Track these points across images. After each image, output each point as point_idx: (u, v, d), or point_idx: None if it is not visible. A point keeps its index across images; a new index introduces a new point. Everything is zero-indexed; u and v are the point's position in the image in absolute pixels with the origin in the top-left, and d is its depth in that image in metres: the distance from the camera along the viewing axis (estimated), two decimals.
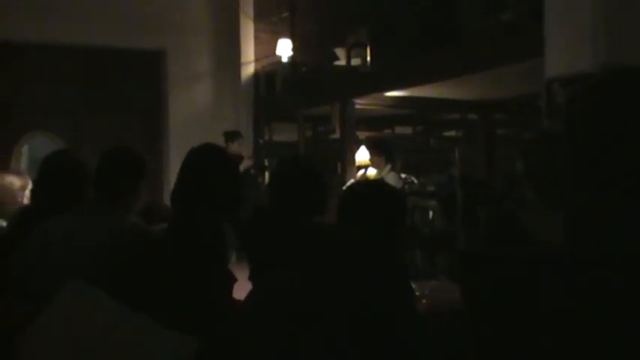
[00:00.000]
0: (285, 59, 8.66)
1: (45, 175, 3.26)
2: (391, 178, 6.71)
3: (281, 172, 3.11)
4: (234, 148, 7.16)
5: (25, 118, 8.13)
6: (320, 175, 2.95)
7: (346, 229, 2.73)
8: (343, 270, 2.42)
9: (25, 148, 8.14)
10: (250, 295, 2.56)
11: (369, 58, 7.84)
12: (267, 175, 7.83)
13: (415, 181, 7.85)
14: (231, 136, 7.54)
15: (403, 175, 7.40)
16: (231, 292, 2.67)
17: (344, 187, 4.58)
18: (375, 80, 7.70)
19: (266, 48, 9.06)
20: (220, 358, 2.34)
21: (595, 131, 1.65)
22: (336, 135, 8.26)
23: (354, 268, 2.45)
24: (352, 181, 7.28)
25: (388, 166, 7.03)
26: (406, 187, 7.27)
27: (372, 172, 7.32)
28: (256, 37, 9.32)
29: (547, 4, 5.06)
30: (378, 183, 3.48)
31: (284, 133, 9.41)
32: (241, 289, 2.68)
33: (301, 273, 2.40)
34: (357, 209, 2.76)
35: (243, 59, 9.22)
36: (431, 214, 7.24)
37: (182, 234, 2.68)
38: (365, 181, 5.83)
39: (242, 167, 6.59)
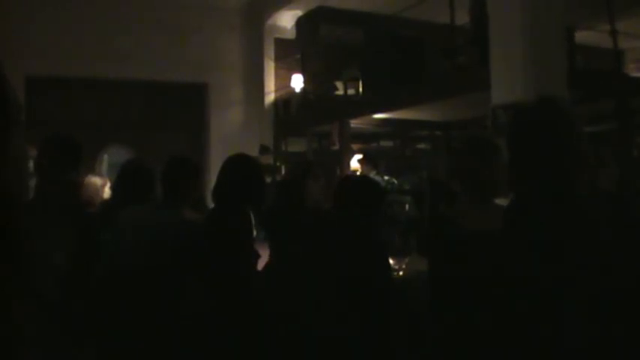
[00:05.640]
0: (297, 90, 8.66)
1: (123, 177, 3.28)
2: (376, 179, 6.75)
3: (288, 177, 3.12)
4: (264, 159, 7.19)
5: (105, 135, 8.20)
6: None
7: (338, 213, 2.73)
8: (335, 243, 2.44)
9: (105, 156, 8.19)
10: (266, 266, 2.59)
11: (360, 89, 7.88)
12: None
13: (395, 181, 7.84)
14: (264, 150, 7.60)
15: (386, 177, 7.42)
16: (256, 264, 2.68)
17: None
18: (365, 106, 7.73)
19: (283, 81, 9.05)
20: (247, 310, 2.36)
21: (525, 141, 1.67)
22: (336, 147, 8.27)
23: (344, 241, 2.47)
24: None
25: (374, 171, 7.08)
26: (388, 186, 7.28)
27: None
28: (276, 73, 9.29)
29: (491, 50, 5.11)
30: (360, 177, 3.46)
31: (296, 146, 9.40)
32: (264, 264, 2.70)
33: (303, 247, 2.42)
34: (345, 196, 2.77)
35: (266, 90, 9.21)
36: (406, 206, 7.26)
37: (219, 222, 2.71)
38: (350, 176, 5.84)
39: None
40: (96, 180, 4.30)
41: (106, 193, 4.19)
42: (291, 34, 9.34)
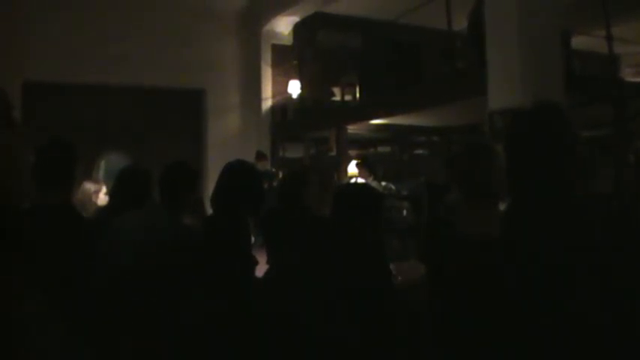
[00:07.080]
0: (294, 95, 8.70)
1: (120, 182, 3.26)
2: (373, 185, 6.76)
3: (287, 182, 3.12)
4: (261, 165, 7.19)
5: (103, 141, 8.20)
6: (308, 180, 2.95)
7: (336, 217, 2.73)
8: (331, 243, 2.44)
9: (102, 162, 8.17)
10: (266, 273, 2.59)
11: (357, 95, 7.91)
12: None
13: (393, 187, 7.86)
14: (260, 156, 7.60)
15: (383, 183, 7.43)
16: (253, 270, 2.64)
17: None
18: (362, 111, 7.75)
19: (280, 87, 9.08)
20: (243, 318, 2.35)
21: (521, 142, 1.68)
22: (333, 152, 8.30)
23: (339, 242, 2.47)
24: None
25: (371, 177, 7.09)
26: (386, 191, 7.30)
27: (360, 180, 7.36)
28: (273, 79, 9.32)
29: (489, 55, 5.12)
30: (359, 184, 3.46)
31: (294, 151, 9.43)
32: (262, 271, 2.69)
33: (301, 253, 2.43)
34: (343, 202, 2.78)
35: (263, 95, 9.24)
36: (404, 211, 7.28)
37: (217, 227, 2.71)
38: (349, 183, 5.85)
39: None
40: (90, 186, 4.25)
41: (100, 199, 4.15)
42: (288, 40, 9.37)
